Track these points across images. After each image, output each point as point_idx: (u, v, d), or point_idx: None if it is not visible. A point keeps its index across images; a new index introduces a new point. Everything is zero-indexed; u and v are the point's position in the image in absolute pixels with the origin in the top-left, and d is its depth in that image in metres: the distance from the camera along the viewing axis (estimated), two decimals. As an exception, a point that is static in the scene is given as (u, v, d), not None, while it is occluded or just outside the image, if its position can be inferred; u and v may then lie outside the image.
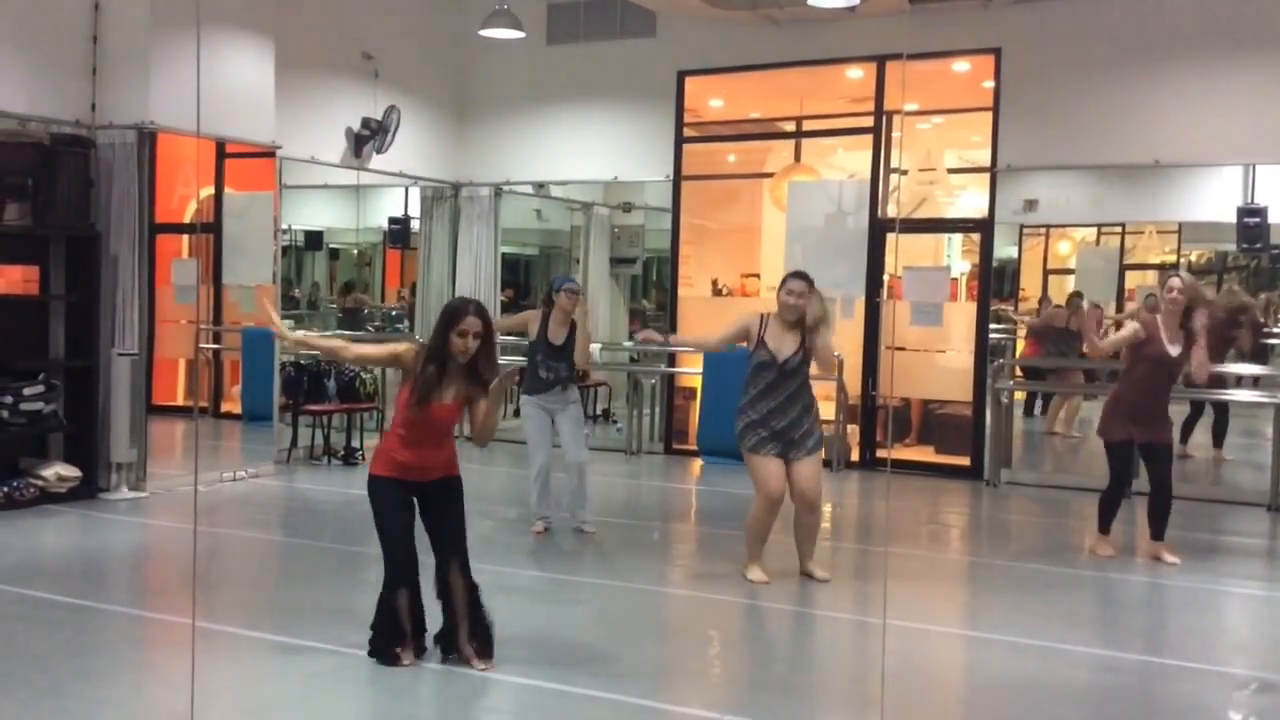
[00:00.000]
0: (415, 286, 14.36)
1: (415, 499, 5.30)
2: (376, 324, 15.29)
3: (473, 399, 5.24)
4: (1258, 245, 10.52)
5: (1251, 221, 10.11)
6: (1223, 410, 10.81)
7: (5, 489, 8.43)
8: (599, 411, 13.64)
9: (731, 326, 7.01)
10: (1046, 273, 14.32)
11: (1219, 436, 10.91)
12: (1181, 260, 13.27)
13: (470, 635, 5.26)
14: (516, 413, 12.21)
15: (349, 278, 15.78)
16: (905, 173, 11.30)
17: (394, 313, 15.26)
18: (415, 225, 13.47)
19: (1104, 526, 7.76)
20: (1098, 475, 10.96)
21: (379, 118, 11.65)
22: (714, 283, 13.17)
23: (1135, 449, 7.66)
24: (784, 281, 6.86)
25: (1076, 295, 12.52)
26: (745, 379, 6.91)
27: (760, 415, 6.80)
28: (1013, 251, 13.87)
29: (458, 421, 5.40)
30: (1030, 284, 14.26)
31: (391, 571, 5.25)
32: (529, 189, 13.74)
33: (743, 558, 7.05)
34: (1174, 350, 7.39)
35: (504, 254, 13.47)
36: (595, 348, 8.22)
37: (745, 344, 6.92)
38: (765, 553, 6.97)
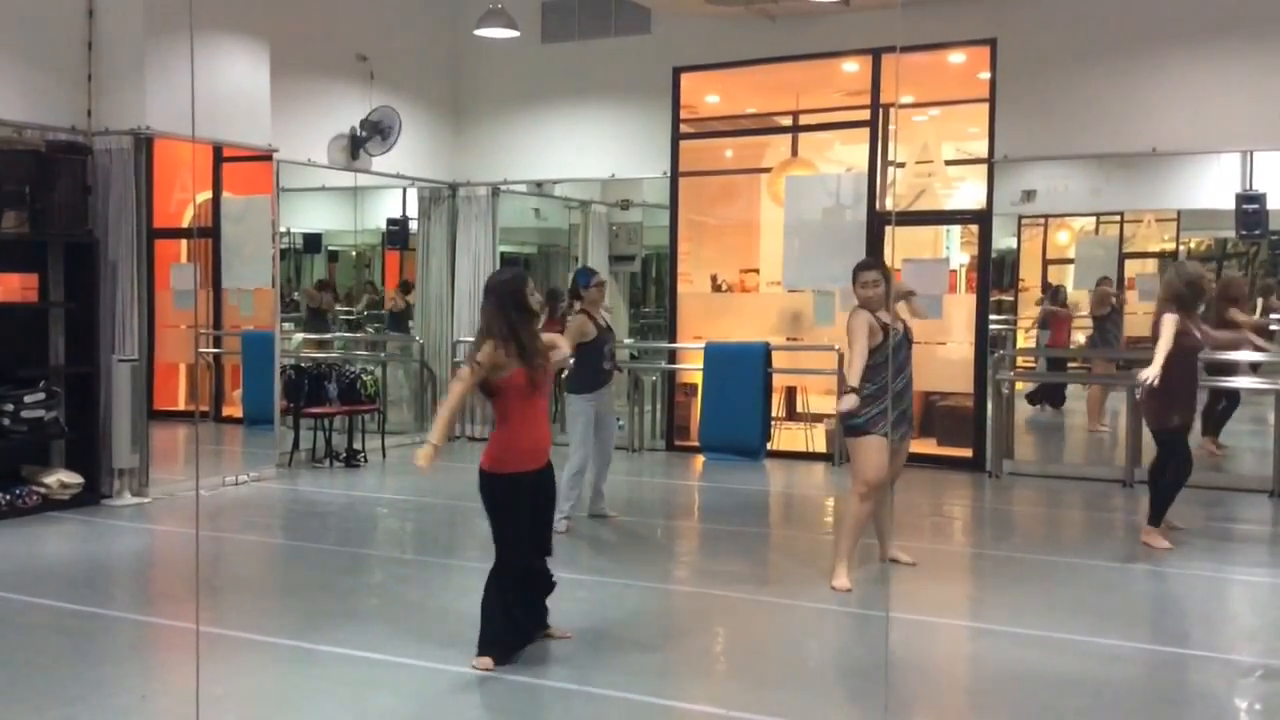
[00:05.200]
0: (405, 285, 14.38)
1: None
2: (376, 325, 15.28)
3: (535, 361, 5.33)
4: (1257, 231, 10.51)
5: (1250, 208, 10.09)
6: (1232, 398, 10.78)
7: (8, 497, 8.44)
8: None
9: (867, 332, 6.59)
10: (1046, 263, 14.30)
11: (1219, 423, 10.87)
12: (1181, 248, 13.26)
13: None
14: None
15: (322, 276, 15.68)
16: (903, 165, 11.29)
17: (393, 313, 15.25)
18: (413, 226, 13.48)
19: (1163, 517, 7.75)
20: (1099, 465, 11.01)
21: (374, 119, 11.59)
22: (713, 279, 13.18)
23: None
24: (855, 275, 6.71)
25: (1106, 280, 12.51)
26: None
27: (878, 386, 6.57)
28: (1012, 242, 13.86)
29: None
30: (1030, 274, 14.24)
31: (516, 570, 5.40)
32: (526, 188, 13.74)
33: (745, 555, 7.00)
34: (1199, 332, 7.67)
35: (502, 253, 13.47)
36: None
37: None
38: (774, 547, 6.95)
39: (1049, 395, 13.51)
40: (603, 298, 8.32)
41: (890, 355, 6.60)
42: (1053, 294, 13.26)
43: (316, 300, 14.56)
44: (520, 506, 5.35)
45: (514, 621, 5.35)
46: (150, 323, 9.66)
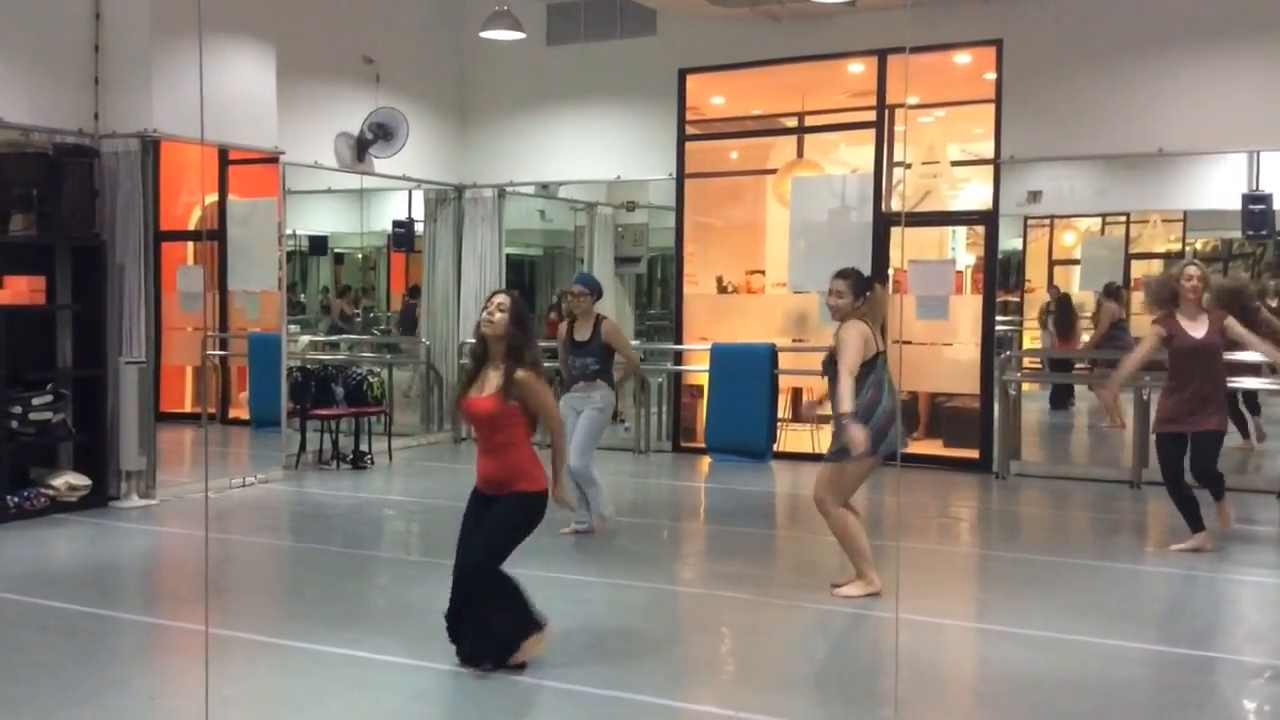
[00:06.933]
0: (411, 289, 14.41)
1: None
2: (382, 328, 15.32)
3: (515, 392, 5.12)
4: (1263, 232, 10.51)
5: (1256, 208, 10.09)
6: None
7: (16, 499, 8.45)
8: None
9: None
10: (1052, 263, 14.32)
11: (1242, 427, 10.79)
12: (1187, 248, 13.26)
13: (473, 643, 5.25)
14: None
15: (347, 282, 15.79)
16: (909, 166, 11.29)
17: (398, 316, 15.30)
18: (419, 228, 13.50)
19: (1191, 524, 7.57)
20: (1106, 466, 11.00)
21: (378, 119, 11.57)
22: (719, 280, 13.18)
23: (1181, 440, 7.50)
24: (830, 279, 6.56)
25: (1111, 284, 12.51)
26: None
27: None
28: (1017, 243, 13.87)
29: (502, 420, 5.16)
30: (1035, 275, 14.26)
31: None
32: (532, 190, 13.75)
33: (752, 557, 6.98)
34: (1198, 334, 7.43)
35: (508, 255, 13.49)
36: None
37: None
38: (780, 548, 6.92)
39: (1056, 398, 13.52)
40: (576, 305, 8.06)
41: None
42: (1058, 302, 13.27)
43: (340, 308, 14.68)
44: (465, 516, 5.33)
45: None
46: (157, 325, 9.68)
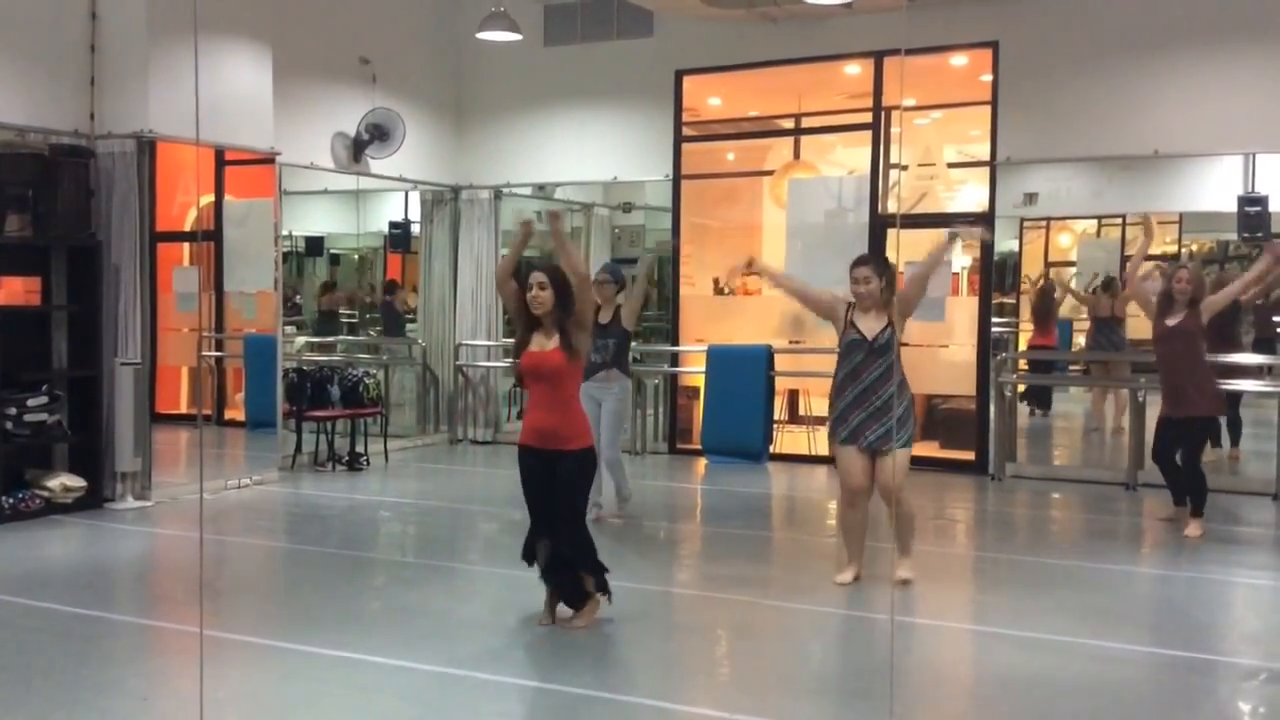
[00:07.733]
0: (387, 285, 14.44)
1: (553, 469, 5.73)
2: (379, 329, 15.29)
3: (573, 341, 5.67)
4: (1259, 234, 10.49)
5: (1252, 210, 10.09)
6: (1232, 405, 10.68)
7: (11, 500, 8.43)
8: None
9: (824, 295, 6.82)
10: (1048, 265, 14.30)
11: (1233, 434, 10.76)
12: (1183, 251, 13.25)
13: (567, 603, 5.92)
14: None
15: (332, 279, 15.76)
16: (905, 168, 11.29)
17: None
18: (416, 229, 13.49)
19: (1175, 498, 8.38)
20: (1102, 468, 11.00)
21: (374, 120, 11.56)
22: (715, 281, 13.18)
23: (1172, 424, 8.20)
24: (850, 270, 6.64)
25: (1111, 280, 12.48)
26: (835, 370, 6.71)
27: (847, 403, 6.57)
28: (1014, 245, 13.85)
29: (568, 374, 5.70)
30: (1032, 277, 14.23)
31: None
32: (529, 191, 13.74)
33: (748, 558, 7.01)
34: (1171, 321, 8.09)
35: (504, 256, 13.47)
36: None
37: (827, 319, 6.78)
38: (776, 550, 6.93)
39: (1037, 398, 13.45)
40: (600, 294, 8.28)
41: (865, 362, 6.48)
42: (1039, 293, 13.25)
43: (329, 304, 14.63)
44: (523, 482, 5.91)
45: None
46: (153, 326, 9.66)
